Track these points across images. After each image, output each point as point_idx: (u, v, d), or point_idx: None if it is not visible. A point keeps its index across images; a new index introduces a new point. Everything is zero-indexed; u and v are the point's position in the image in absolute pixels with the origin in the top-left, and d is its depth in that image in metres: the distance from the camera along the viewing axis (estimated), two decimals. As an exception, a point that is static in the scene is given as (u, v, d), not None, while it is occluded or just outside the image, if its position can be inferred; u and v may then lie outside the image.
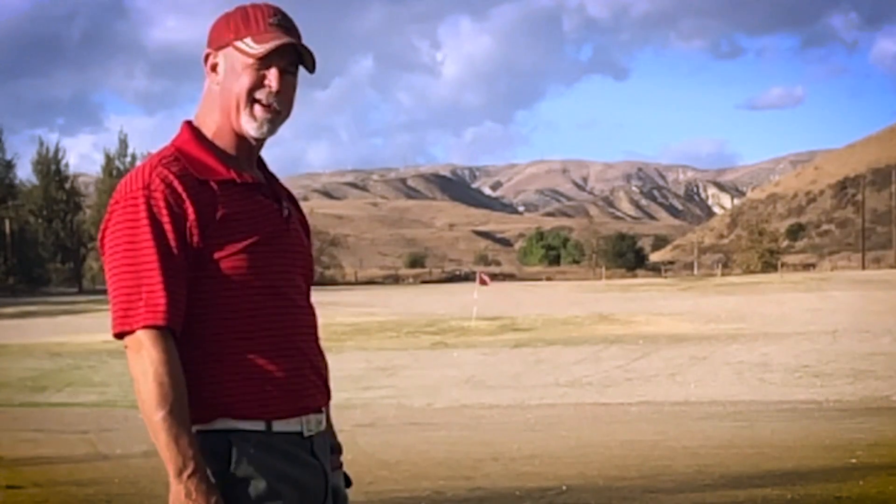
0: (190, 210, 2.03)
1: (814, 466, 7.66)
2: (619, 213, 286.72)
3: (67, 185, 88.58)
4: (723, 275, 77.41)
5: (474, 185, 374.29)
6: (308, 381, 2.15)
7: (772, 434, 10.51)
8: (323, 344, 2.26)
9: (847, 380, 17.65)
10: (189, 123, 2.19)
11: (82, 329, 34.89)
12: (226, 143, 2.15)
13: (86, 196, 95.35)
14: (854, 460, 7.82)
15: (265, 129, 2.14)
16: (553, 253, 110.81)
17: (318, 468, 2.15)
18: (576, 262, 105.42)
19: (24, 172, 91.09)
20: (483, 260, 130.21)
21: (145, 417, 1.99)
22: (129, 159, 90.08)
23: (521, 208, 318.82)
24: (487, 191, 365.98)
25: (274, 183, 2.24)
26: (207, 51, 2.16)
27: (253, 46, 2.10)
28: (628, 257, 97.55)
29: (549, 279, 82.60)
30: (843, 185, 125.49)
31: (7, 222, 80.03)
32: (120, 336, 2.04)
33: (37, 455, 9.17)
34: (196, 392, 2.01)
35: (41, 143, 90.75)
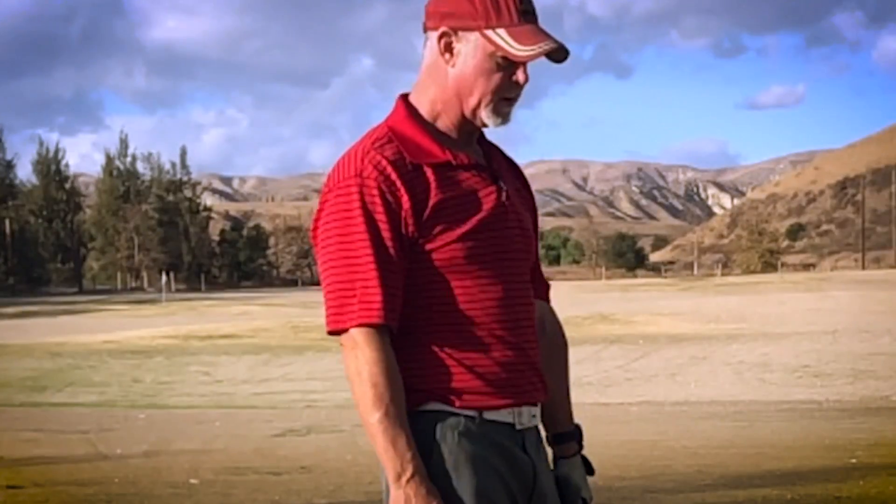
0: (405, 198, 1.91)
1: (814, 466, 7.65)
2: (619, 213, 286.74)
3: (67, 185, 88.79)
4: (723, 275, 77.52)
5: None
6: (523, 378, 2.01)
7: (772, 434, 10.51)
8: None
9: (847, 380, 17.66)
10: (405, 100, 2.05)
11: (82, 329, 34.93)
12: (447, 122, 2.02)
13: (86, 196, 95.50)
14: (854, 460, 7.82)
15: (508, 119, 2.02)
16: (553, 253, 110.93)
17: (528, 464, 2.01)
18: (576, 262, 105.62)
19: (24, 172, 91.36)
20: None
21: (362, 419, 1.90)
22: (129, 159, 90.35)
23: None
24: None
25: (494, 157, 2.09)
26: (443, 28, 1.96)
27: (516, 47, 1.93)
28: (628, 257, 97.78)
29: (548, 279, 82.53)
30: (843, 185, 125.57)
31: (7, 222, 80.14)
32: (334, 334, 1.96)
33: (37, 455, 9.15)
34: (403, 380, 1.93)
35: (41, 143, 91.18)
